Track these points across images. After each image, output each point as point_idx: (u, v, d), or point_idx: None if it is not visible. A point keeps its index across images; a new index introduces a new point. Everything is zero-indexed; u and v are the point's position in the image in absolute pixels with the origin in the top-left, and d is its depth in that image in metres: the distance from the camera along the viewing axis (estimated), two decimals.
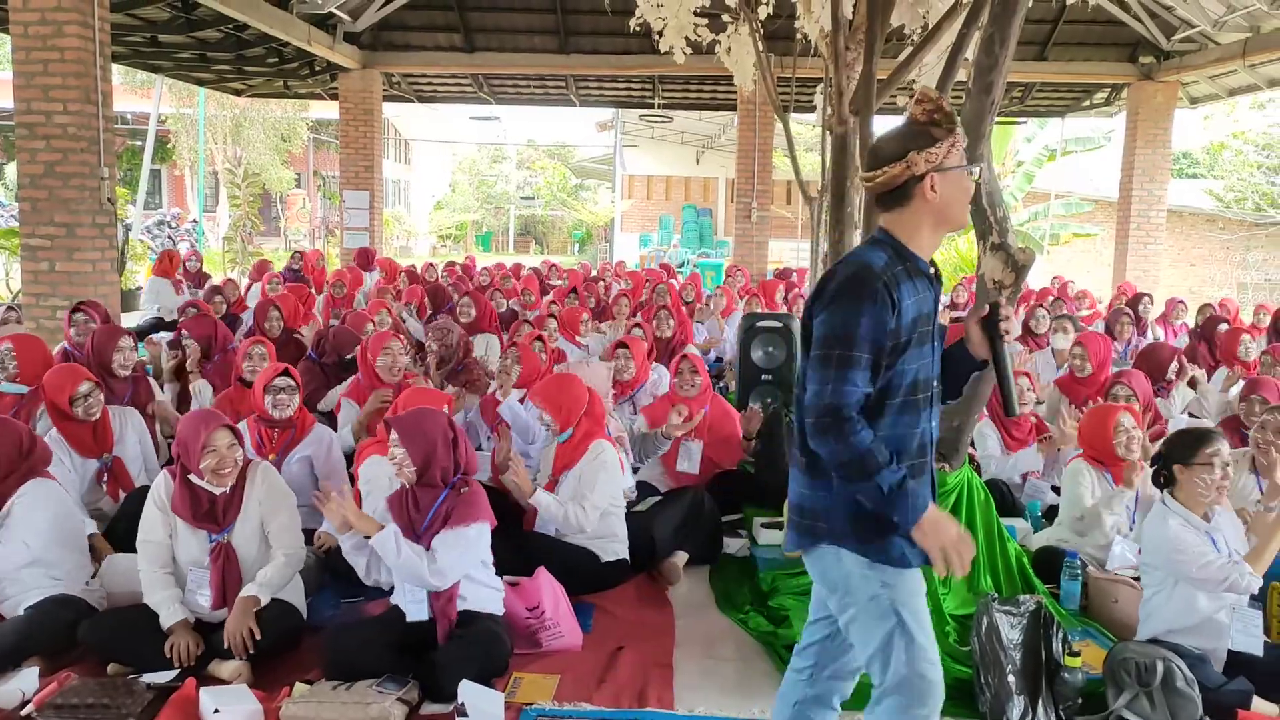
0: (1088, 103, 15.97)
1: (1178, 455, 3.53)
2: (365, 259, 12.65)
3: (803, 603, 3.99)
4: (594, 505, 4.26)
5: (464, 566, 3.54)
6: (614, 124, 25.97)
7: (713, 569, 4.67)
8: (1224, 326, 8.11)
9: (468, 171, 41.36)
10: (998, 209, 3.77)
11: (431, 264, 13.71)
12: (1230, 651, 3.48)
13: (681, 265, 20.93)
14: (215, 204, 27.19)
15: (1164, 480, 3.57)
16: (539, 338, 6.14)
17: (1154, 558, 3.55)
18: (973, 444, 5.19)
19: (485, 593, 3.64)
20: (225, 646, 3.43)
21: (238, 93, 17.03)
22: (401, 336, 6.11)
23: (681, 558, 4.55)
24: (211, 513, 3.59)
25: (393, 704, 3.14)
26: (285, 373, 4.60)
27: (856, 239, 5.19)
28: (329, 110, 21.86)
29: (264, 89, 16.65)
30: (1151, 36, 12.92)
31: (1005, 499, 5.08)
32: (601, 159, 32.66)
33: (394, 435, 3.57)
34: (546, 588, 3.81)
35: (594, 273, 13.99)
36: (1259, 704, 3.35)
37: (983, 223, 3.77)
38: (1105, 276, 15.76)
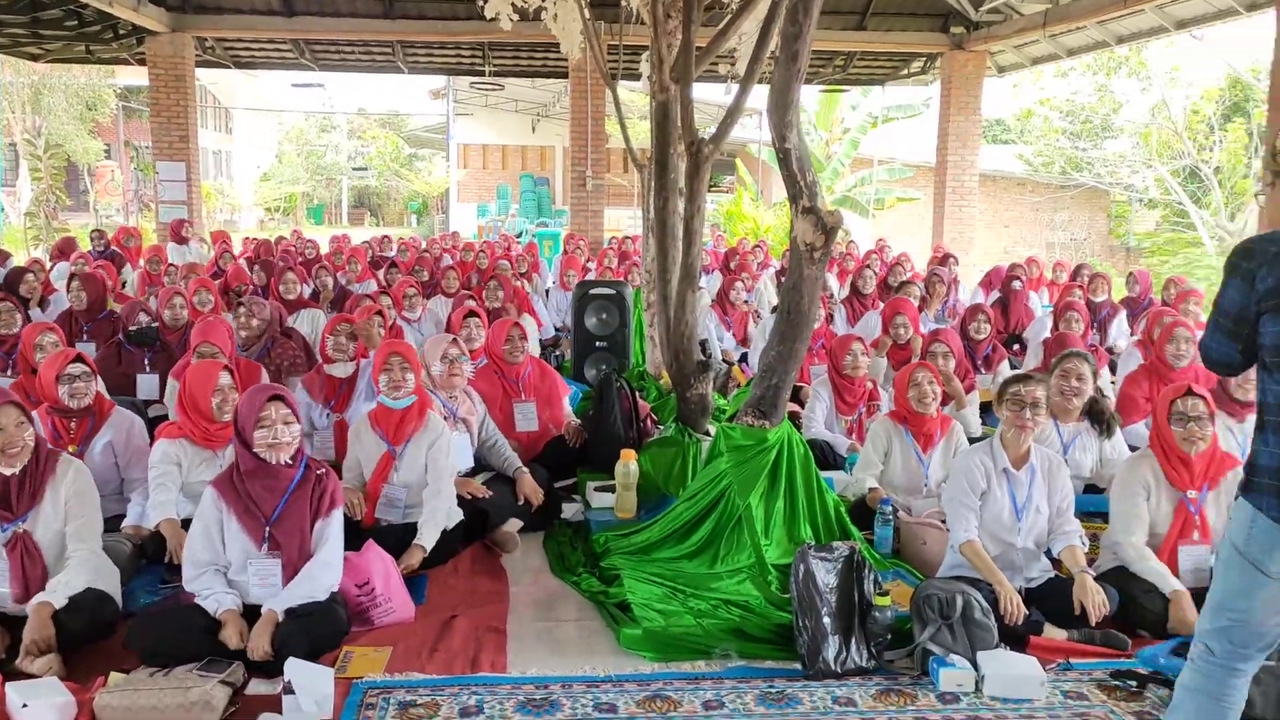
0: (905, 72, 16.62)
1: (998, 395, 3.83)
2: (177, 232, 12.05)
3: (632, 562, 4.12)
4: (450, 476, 4.30)
5: (339, 552, 3.51)
6: (446, 92, 25.47)
7: (548, 535, 4.73)
8: (1017, 285, 8.66)
9: (295, 141, 39.81)
10: (807, 174, 3.92)
11: (267, 240, 13.21)
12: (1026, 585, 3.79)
13: (520, 235, 20.82)
14: (15, 178, 25.34)
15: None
16: (379, 312, 6.02)
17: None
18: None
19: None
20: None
21: (34, 58, 15.89)
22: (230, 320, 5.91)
23: (515, 525, 4.58)
24: (5, 498, 3.40)
25: (215, 686, 3.07)
26: (78, 359, 4.36)
27: (680, 206, 5.29)
28: (139, 77, 20.64)
29: (64, 54, 15.59)
30: (961, 7, 13.56)
31: (825, 454, 5.32)
32: (435, 128, 32.02)
33: (274, 410, 3.48)
34: (376, 563, 3.77)
35: (423, 245, 13.73)
36: (1050, 630, 3.64)
37: (794, 187, 3.91)
38: (928, 239, 16.54)
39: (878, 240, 14.24)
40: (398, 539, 4.13)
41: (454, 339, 4.92)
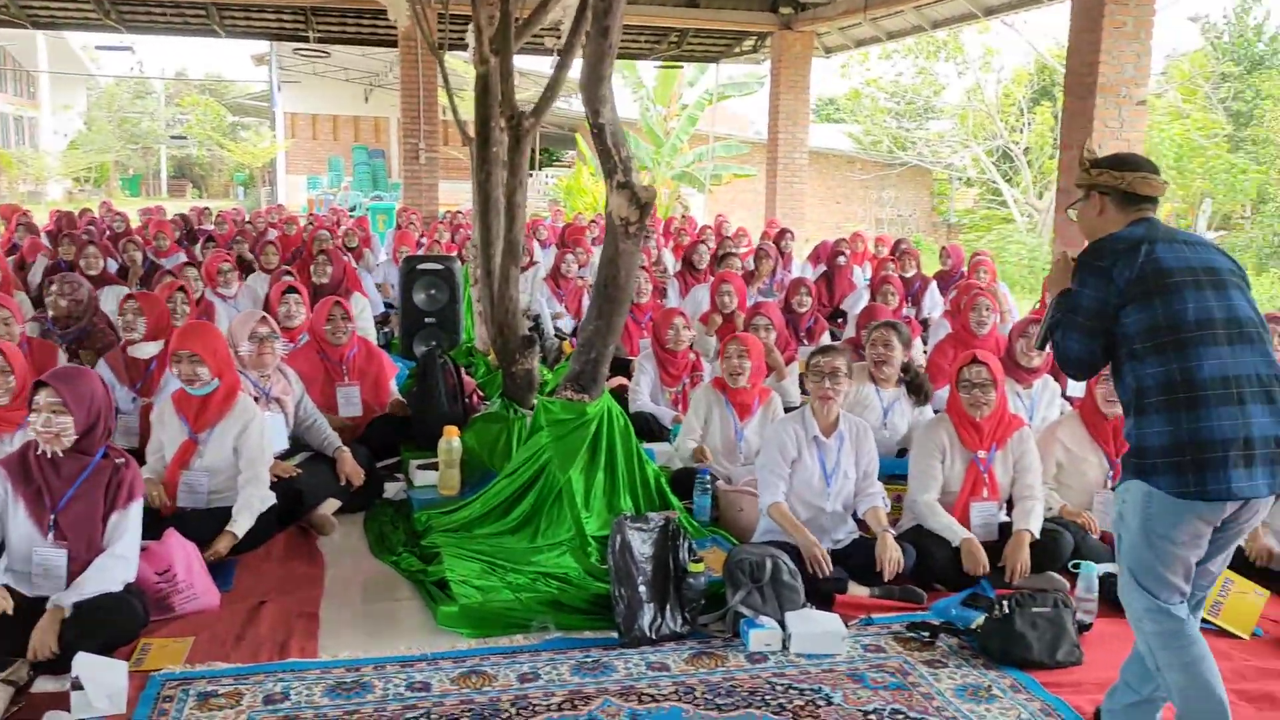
0: (737, 50, 16.92)
1: (805, 367, 3.96)
2: None
3: (453, 540, 4.09)
4: (264, 462, 4.16)
5: (136, 546, 3.35)
6: (269, 58, 24.41)
7: (368, 515, 4.64)
8: (841, 259, 8.99)
9: (107, 108, 37.41)
10: (622, 149, 3.95)
11: (70, 213, 12.38)
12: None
13: (353, 209, 20.23)
14: None
15: None
16: (181, 288, 5.73)
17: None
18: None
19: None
20: None
21: None
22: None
23: (331, 505, 4.48)
24: None
25: None
26: None
27: (503, 178, 5.23)
28: None
29: None
30: None
31: (650, 426, 5.40)
32: (260, 95, 30.66)
33: (44, 397, 3.25)
34: (177, 550, 3.61)
35: (246, 218, 13.18)
36: (853, 588, 3.82)
37: (608, 162, 3.93)
38: (764, 214, 16.93)
39: (716, 216, 14.48)
40: (203, 525, 3.97)
41: (264, 317, 4.75)
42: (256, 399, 4.43)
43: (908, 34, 14.58)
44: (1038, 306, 7.74)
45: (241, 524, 4.01)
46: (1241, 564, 3.92)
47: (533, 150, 27.08)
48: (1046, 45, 21.79)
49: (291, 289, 5.89)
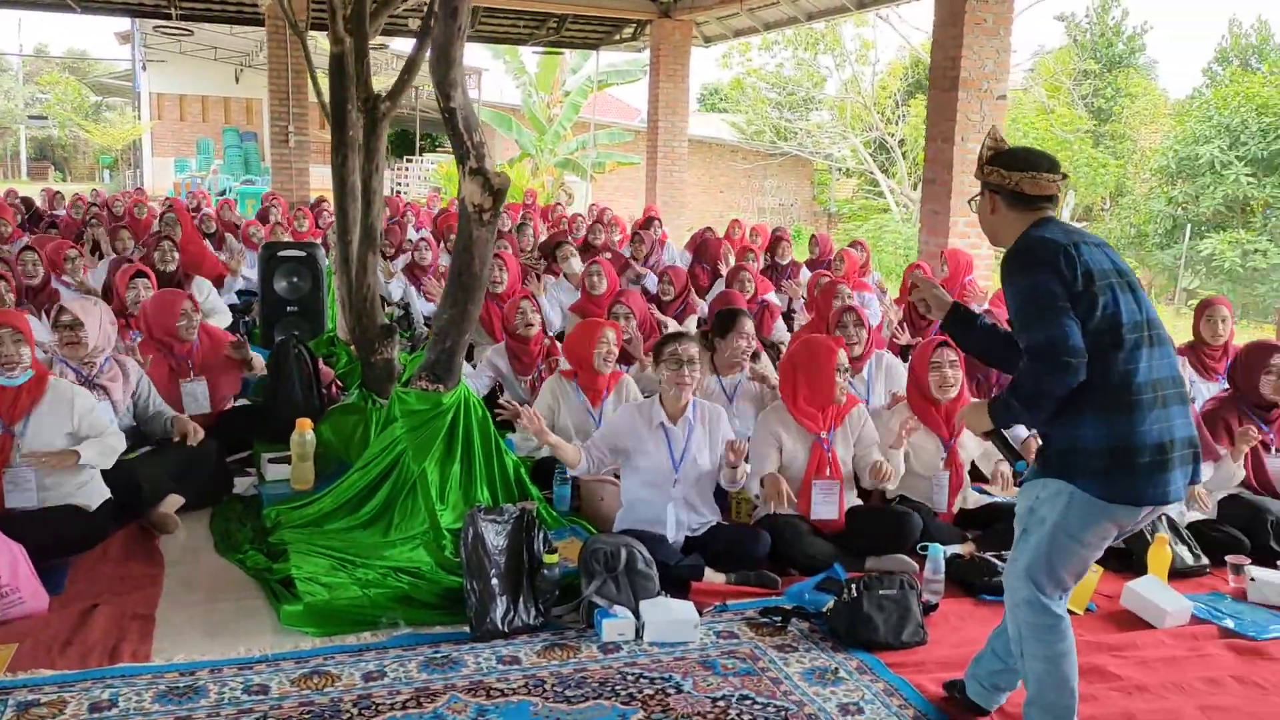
0: (618, 37, 16.88)
1: (654, 355, 3.96)
2: None
3: (302, 535, 3.96)
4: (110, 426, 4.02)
5: None
6: (133, 35, 23.35)
7: (215, 511, 4.46)
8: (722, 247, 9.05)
9: None
10: (474, 134, 3.87)
11: None
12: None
13: (223, 192, 19.55)
14: None
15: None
16: (1, 276, 5.41)
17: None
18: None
19: None
20: None
21: None
22: None
23: (173, 503, 4.29)
24: None
25: None
26: None
27: (358, 163, 5.08)
28: None
29: None
30: None
31: None
32: (124, 75, 29.28)
33: None
34: (1, 553, 3.41)
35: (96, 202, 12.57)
36: (710, 575, 3.84)
37: (460, 148, 3.85)
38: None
39: (590, 205, 14.43)
40: (35, 526, 3.75)
41: (103, 306, 4.52)
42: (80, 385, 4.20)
43: (784, 25, 14.76)
44: (896, 297, 7.93)
45: (88, 452, 3.88)
46: None
47: (413, 135, 26.64)
48: (920, 40, 22.37)
49: (140, 273, 5.62)
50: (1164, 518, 4.16)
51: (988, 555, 3.96)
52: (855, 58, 22.87)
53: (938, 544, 3.86)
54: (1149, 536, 3.98)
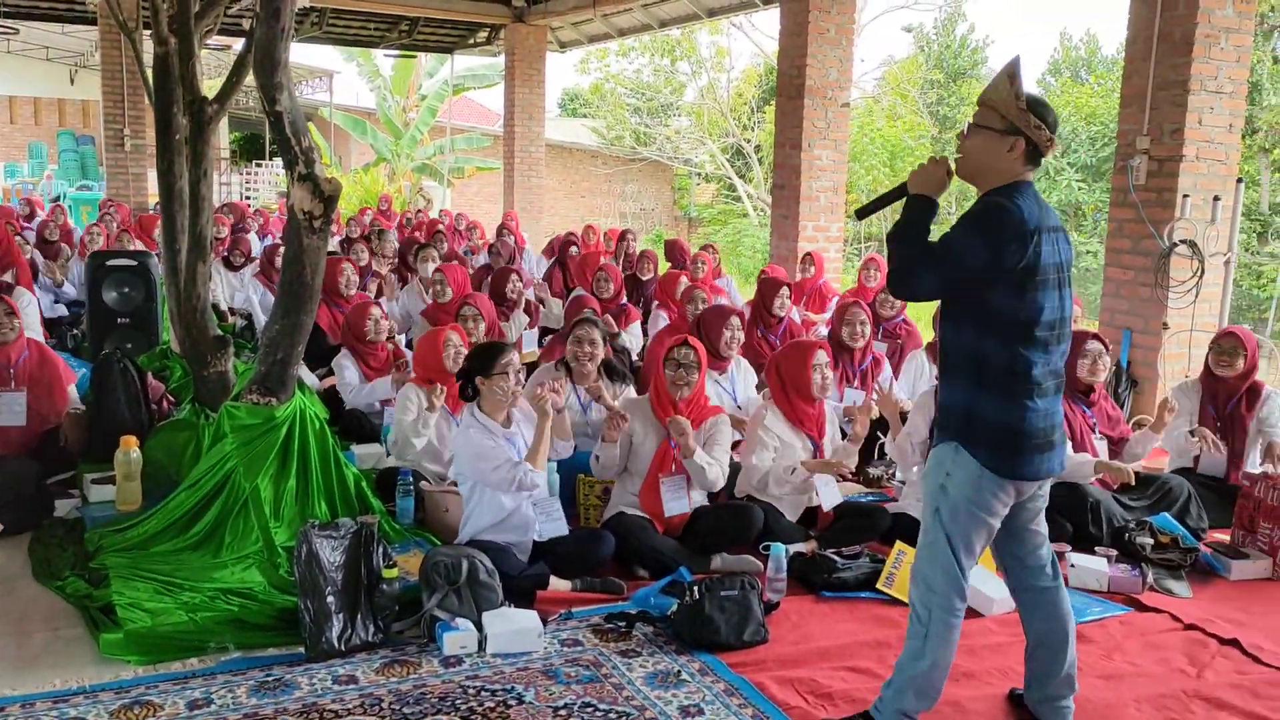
0: (472, 41, 16.71)
1: (477, 369, 3.86)
2: None
3: (125, 559, 3.77)
4: None
5: None
6: None
7: (34, 536, 4.20)
8: (574, 250, 9.06)
9: None
10: (303, 139, 3.76)
11: None
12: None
13: (58, 198, 18.51)
14: None
15: (471, 393, 3.89)
16: None
17: (462, 465, 3.86)
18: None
19: None
20: None
21: None
22: None
23: None
24: None
25: None
26: None
27: (185, 168, 4.87)
28: None
29: None
30: None
31: (363, 425, 5.22)
32: None
33: None
34: None
35: None
36: (555, 583, 3.81)
37: (289, 153, 3.73)
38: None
39: (441, 210, 14.25)
40: None
41: None
42: None
43: (638, 31, 14.87)
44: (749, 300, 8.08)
45: None
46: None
47: (263, 139, 25.74)
48: (773, 48, 22.90)
49: None
50: None
51: (828, 553, 4.05)
52: (711, 65, 23.23)
53: (780, 543, 3.94)
54: None
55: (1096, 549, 4.23)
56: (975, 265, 2.56)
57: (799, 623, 3.66)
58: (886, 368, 5.69)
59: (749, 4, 11.91)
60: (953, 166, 2.71)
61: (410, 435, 4.60)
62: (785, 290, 6.27)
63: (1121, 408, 6.02)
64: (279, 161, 22.59)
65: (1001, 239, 2.55)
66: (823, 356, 4.42)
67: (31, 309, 6.53)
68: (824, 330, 6.88)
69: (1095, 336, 4.75)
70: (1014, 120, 2.60)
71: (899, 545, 3.98)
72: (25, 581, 3.84)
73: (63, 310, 8.21)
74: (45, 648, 3.34)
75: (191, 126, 4.64)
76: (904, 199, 2.75)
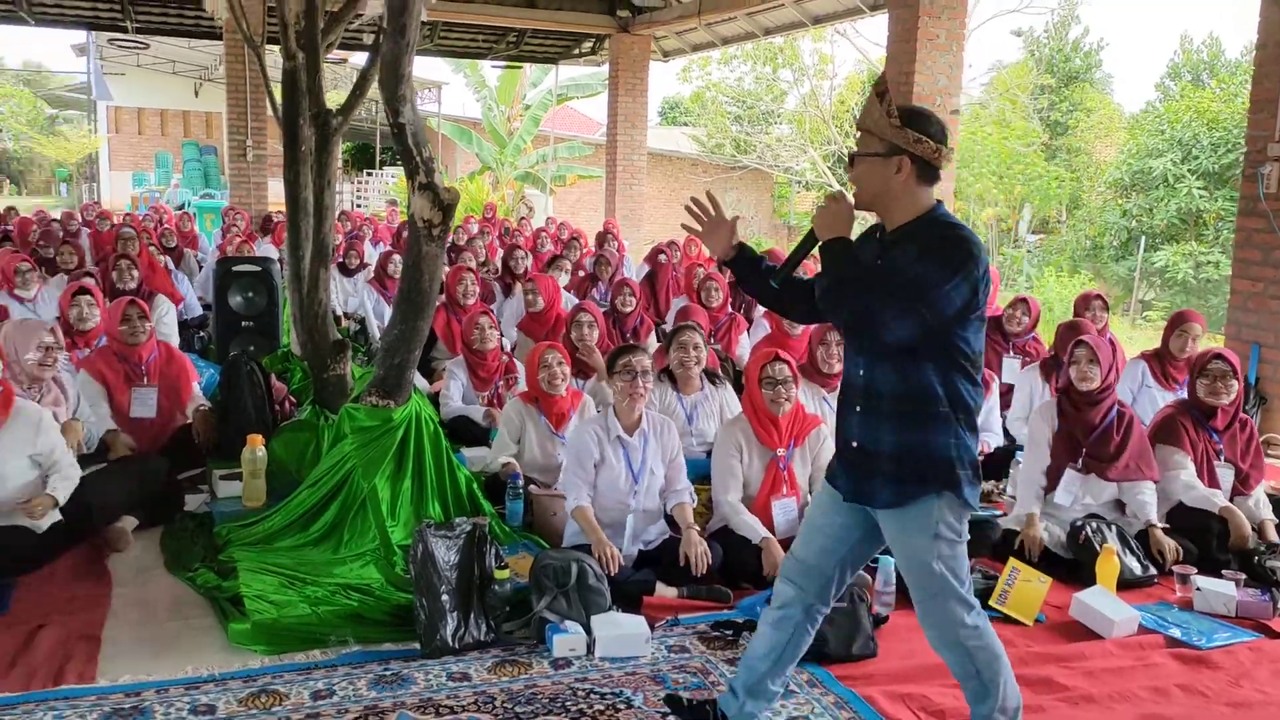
0: (577, 51, 16.92)
1: (607, 366, 3.95)
2: None
3: (252, 553, 3.93)
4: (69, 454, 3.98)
5: None
6: (88, 48, 23.10)
7: (167, 529, 4.41)
8: (662, 258, 9.09)
9: None
10: (424, 149, 3.87)
11: None
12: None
13: (182, 206, 19.36)
14: None
15: None
16: None
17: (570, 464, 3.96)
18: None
19: None
20: None
21: None
22: None
23: (128, 523, 4.24)
24: None
25: None
26: None
27: (310, 178, 5.06)
28: None
29: None
30: None
31: (471, 428, 5.33)
32: (81, 87, 28.95)
33: None
34: None
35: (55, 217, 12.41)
36: (661, 589, 3.84)
37: (410, 163, 3.85)
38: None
39: (548, 218, 14.45)
40: None
41: (52, 327, 4.47)
42: None
43: (742, 40, 14.87)
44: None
45: (61, 490, 3.88)
46: (1021, 553, 4.14)
47: (373, 149, 26.52)
48: (878, 55, 22.66)
49: (83, 290, 5.57)
50: (1114, 527, 4.22)
51: None
52: (814, 72, 23.08)
53: (889, 556, 3.89)
54: (1098, 548, 4.03)
55: (1224, 572, 4.07)
56: (960, 305, 2.43)
57: (908, 637, 3.60)
58: (994, 390, 5.47)
59: (855, 11, 11.79)
60: (851, 200, 2.58)
61: (498, 451, 4.69)
62: None
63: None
64: (389, 171, 23.22)
65: (977, 273, 2.43)
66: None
67: (170, 316, 6.83)
68: None
69: (1220, 355, 4.56)
70: (892, 140, 2.45)
71: (1013, 562, 3.90)
72: (158, 572, 4.04)
73: (196, 310, 8.55)
74: (177, 636, 3.50)
75: (317, 138, 4.82)
76: (817, 247, 2.60)
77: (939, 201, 2.55)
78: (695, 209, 2.80)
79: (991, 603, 3.80)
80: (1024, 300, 6.36)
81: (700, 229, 2.78)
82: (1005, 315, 6.28)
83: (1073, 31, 26.05)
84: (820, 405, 4.91)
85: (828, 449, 4.18)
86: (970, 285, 2.42)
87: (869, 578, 3.92)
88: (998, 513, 4.70)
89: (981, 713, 2.68)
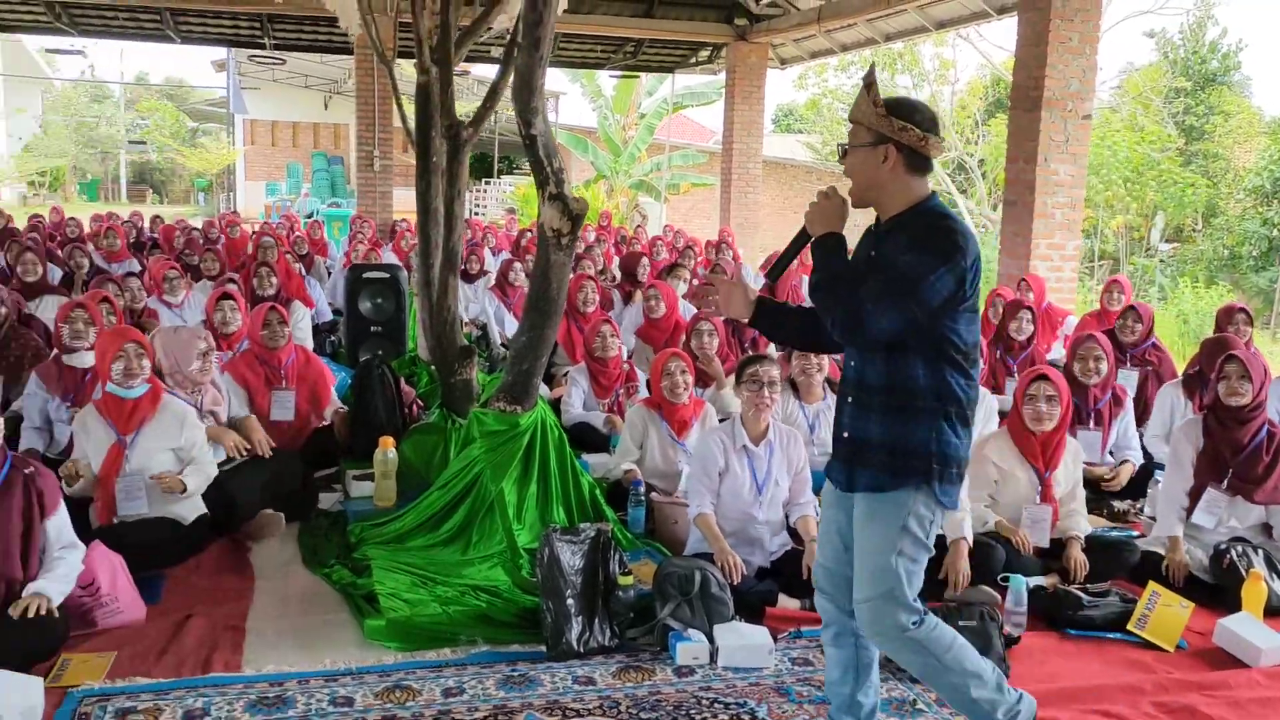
0: (693, 60, 16.98)
1: (736, 376, 3.97)
2: None
3: (385, 552, 4.06)
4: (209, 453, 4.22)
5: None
6: (228, 64, 24.22)
7: (303, 527, 4.59)
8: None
9: (63, 112, 36.85)
10: (554, 160, 3.94)
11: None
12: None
13: (310, 215, 20.11)
14: None
15: None
16: (105, 299, 5.63)
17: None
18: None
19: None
20: None
21: None
22: None
23: (272, 517, 4.43)
24: None
25: None
26: None
27: (441, 188, 5.21)
28: None
29: None
30: (742, 0, 13.95)
31: (592, 435, 5.40)
32: (220, 101, 30.39)
33: None
34: (102, 562, 3.56)
35: (198, 225, 13.04)
36: (784, 600, 3.83)
37: (540, 173, 3.93)
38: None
39: (665, 226, 14.51)
40: (140, 535, 3.92)
41: (204, 334, 4.70)
42: None
43: (861, 46, 14.68)
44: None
45: (192, 482, 4.09)
46: (1162, 577, 3.98)
47: (491, 158, 27.06)
48: (1001, 59, 22.07)
49: (226, 295, 5.83)
50: (1261, 551, 4.03)
51: (1072, 588, 3.88)
52: (934, 77, 22.63)
53: (1020, 575, 3.79)
54: (1244, 572, 3.85)
55: None
56: (946, 296, 2.42)
57: (1043, 660, 3.52)
58: (1128, 407, 5.29)
59: (981, 15, 11.53)
60: (845, 194, 2.57)
61: (621, 458, 4.74)
62: (1026, 314, 6.02)
63: None
64: (506, 179, 23.61)
65: (965, 264, 2.43)
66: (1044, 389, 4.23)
67: (305, 321, 7.11)
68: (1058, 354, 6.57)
69: None
70: (878, 129, 2.46)
71: (1152, 585, 3.76)
72: (297, 568, 4.20)
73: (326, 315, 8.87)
74: (316, 629, 3.64)
75: (448, 149, 4.96)
76: (810, 244, 2.62)
77: (933, 193, 2.55)
78: (704, 289, 2.84)
79: (1130, 627, 3.67)
80: (1133, 308, 6.17)
81: (718, 302, 2.79)
82: (1117, 326, 6.07)
83: (1210, 33, 24.94)
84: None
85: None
86: (956, 275, 2.42)
87: (998, 596, 3.83)
88: (1135, 534, 4.53)
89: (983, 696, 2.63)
